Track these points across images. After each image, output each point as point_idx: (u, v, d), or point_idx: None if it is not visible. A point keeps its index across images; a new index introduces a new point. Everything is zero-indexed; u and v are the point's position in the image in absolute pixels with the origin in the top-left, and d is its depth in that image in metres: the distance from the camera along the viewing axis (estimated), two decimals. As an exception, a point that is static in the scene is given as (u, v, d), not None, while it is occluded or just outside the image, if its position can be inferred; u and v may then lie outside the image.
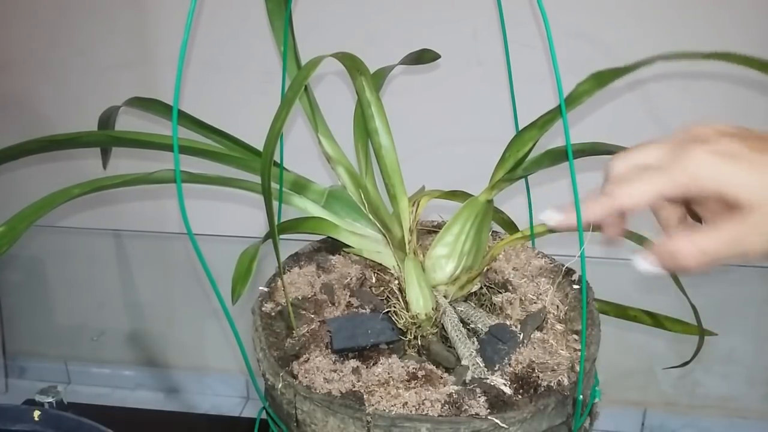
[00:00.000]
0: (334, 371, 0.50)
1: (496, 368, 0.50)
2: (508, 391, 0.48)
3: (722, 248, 0.40)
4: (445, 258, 0.56)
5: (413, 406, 0.46)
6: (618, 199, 0.42)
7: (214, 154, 0.59)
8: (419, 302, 0.54)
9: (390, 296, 0.56)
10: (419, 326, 0.54)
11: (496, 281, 0.60)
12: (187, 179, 0.56)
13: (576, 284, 0.59)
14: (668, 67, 0.70)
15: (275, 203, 0.61)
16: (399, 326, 0.54)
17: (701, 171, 0.40)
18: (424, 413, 0.46)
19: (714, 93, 0.95)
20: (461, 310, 0.56)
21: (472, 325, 0.55)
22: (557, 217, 0.45)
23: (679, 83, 0.95)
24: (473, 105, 1.00)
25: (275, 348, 0.53)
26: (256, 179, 0.58)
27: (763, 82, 0.61)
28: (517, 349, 0.52)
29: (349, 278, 0.60)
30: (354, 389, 0.48)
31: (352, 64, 0.54)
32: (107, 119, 0.66)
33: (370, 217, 0.59)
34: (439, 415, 0.46)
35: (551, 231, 0.52)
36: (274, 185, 0.61)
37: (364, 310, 0.57)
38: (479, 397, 0.47)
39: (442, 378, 0.50)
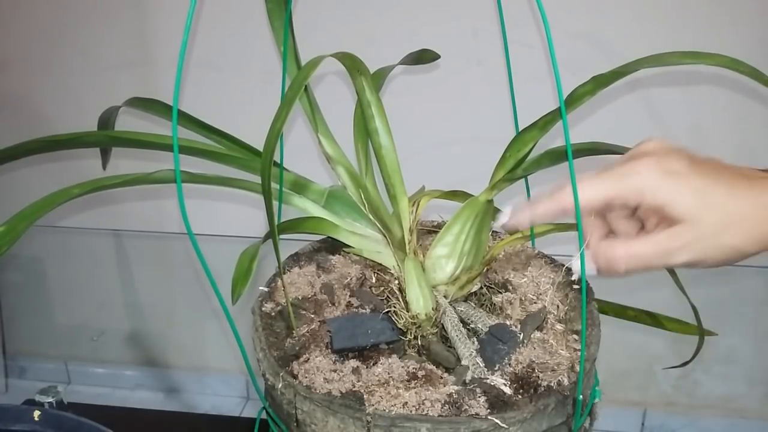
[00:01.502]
0: (334, 371, 0.50)
1: (496, 368, 0.50)
2: (508, 391, 0.48)
3: (652, 256, 0.45)
4: (445, 258, 0.56)
5: (413, 406, 0.46)
6: (562, 200, 0.46)
7: (214, 154, 0.59)
8: (419, 302, 0.54)
9: (390, 296, 0.56)
10: (419, 326, 0.54)
11: (496, 281, 0.60)
12: (187, 179, 0.56)
13: (576, 284, 0.59)
14: (668, 68, 0.70)
15: (275, 203, 0.61)
16: (399, 326, 0.54)
17: (644, 183, 0.44)
18: (424, 413, 0.46)
19: (713, 93, 0.95)
20: (461, 310, 0.56)
21: (472, 325, 0.55)
22: (503, 220, 0.50)
23: (678, 83, 0.95)
24: (473, 105, 1.00)
25: (275, 348, 0.53)
26: (256, 179, 0.58)
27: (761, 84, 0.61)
28: (517, 349, 0.52)
29: (349, 278, 0.60)
30: (354, 389, 0.48)
31: (352, 64, 0.54)
32: (107, 119, 0.66)
33: (370, 217, 0.59)
34: (439, 415, 0.46)
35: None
36: (274, 185, 0.61)
37: (364, 310, 0.57)
38: (479, 397, 0.47)
39: (442, 378, 0.50)
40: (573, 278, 0.48)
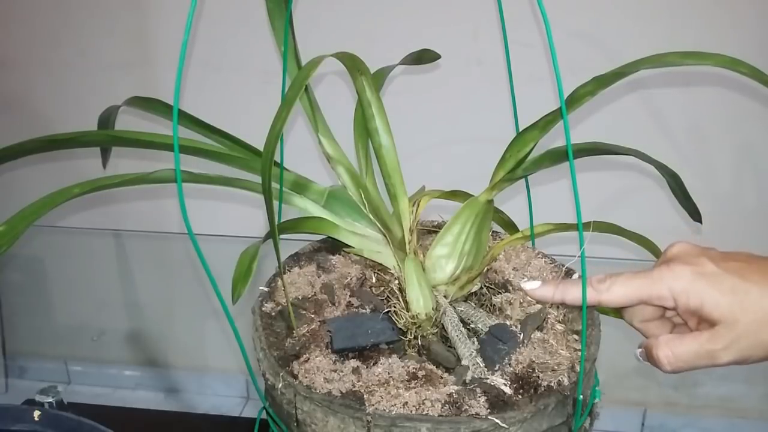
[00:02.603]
0: (334, 371, 0.50)
1: (496, 368, 0.50)
2: (508, 391, 0.48)
3: (695, 358, 0.47)
4: (445, 258, 0.56)
5: (413, 406, 0.46)
6: (601, 295, 0.50)
7: (214, 154, 0.59)
8: (419, 302, 0.54)
9: (390, 296, 0.56)
10: (419, 326, 0.54)
11: (496, 281, 0.60)
12: (187, 179, 0.56)
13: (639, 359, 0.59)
14: (668, 68, 0.70)
15: (275, 203, 0.61)
16: (399, 326, 0.54)
17: (679, 286, 0.47)
18: (424, 413, 0.46)
19: (713, 93, 0.95)
20: (461, 310, 0.56)
21: (472, 325, 0.55)
22: (532, 286, 0.55)
23: (678, 84, 0.96)
24: (473, 105, 1.00)
25: (275, 348, 0.53)
26: (257, 179, 0.58)
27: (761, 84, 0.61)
28: (517, 349, 0.52)
29: (349, 278, 0.60)
30: (354, 389, 0.48)
31: (352, 63, 0.54)
32: (107, 119, 0.66)
33: (370, 217, 0.59)
34: (439, 415, 0.46)
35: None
36: (275, 185, 0.61)
37: (364, 310, 0.57)
38: (479, 397, 0.47)
39: (442, 378, 0.50)
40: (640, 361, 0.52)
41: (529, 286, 0.55)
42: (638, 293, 0.49)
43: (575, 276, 0.60)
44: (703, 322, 0.47)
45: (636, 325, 0.53)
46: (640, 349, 0.52)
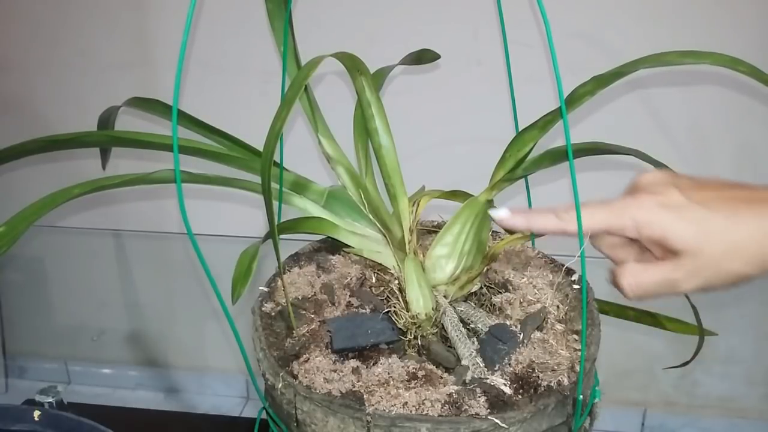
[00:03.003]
0: (334, 371, 0.50)
1: (496, 368, 0.50)
2: (508, 391, 0.48)
3: (656, 287, 0.47)
4: (445, 258, 0.56)
5: (413, 406, 0.46)
6: (566, 224, 0.48)
7: (214, 154, 0.59)
8: (419, 302, 0.54)
9: (390, 296, 0.56)
10: (419, 326, 0.54)
11: (496, 281, 0.60)
12: (187, 179, 0.56)
13: (576, 284, 0.59)
14: (668, 68, 0.70)
15: (275, 203, 0.61)
16: (399, 326, 0.54)
17: (646, 218, 0.46)
18: (424, 413, 0.46)
19: (713, 93, 0.95)
20: (461, 310, 0.56)
21: (472, 325, 0.55)
22: (502, 214, 0.51)
23: (678, 83, 0.95)
24: (473, 105, 1.00)
25: (275, 348, 0.53)
26: (256, 179, 0.58)
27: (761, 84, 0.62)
28: (517, 349, 0.52)
29: (349, 278, 0.60)
30: (354, 389, 0.48)
31: (352, 64, 0.54)
32: (107, 119, 0.66)
33: (370, 217, 0.59)
34: (439, 415, 0.46)
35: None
36: (274, 185, 0.61)
37: (364, 310, 0.57)
38: (479, 397, 0.47)
39: (442, 378, 0.50)
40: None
41: (498, 213, 0.52)
42: (602, 224, 0.48)
43: (575, 277, 0.60)
44: (668, 252, 0.47)
45: (604, 251, 0.52)
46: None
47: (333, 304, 0.58)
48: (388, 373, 0.50)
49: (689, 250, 0.45)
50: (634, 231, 0.47)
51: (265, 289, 0.60)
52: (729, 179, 0.48)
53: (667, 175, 0.48)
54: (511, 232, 0.65)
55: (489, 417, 0.46)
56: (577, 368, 0.50)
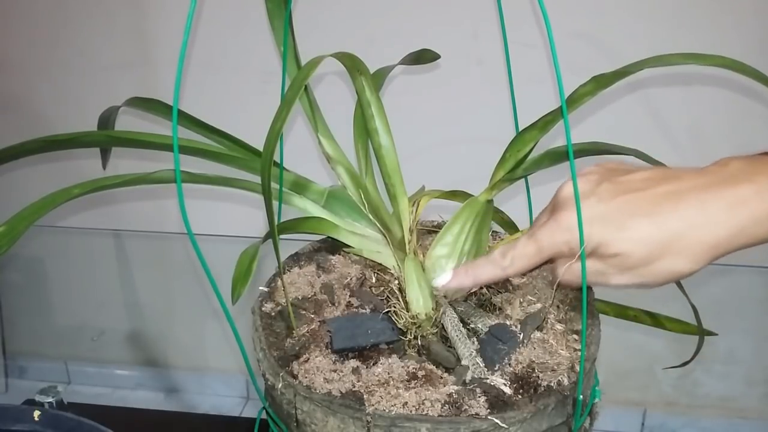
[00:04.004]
0: (334, 371, 0.50)
1: (496, 368, 0.50)
2: (508, 391, 0.48)
3: (588, 274, 0.47)
4: (445, 258, 0.56)
5: (413, 406, 0.46)
6: (506, 270, 0.50)
7: (214, 154, 0.59)
8: (419, 302, 0.54)
9: (390, 296, 0.56)
10: (419, 326, 0.54)
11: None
12: (187, 179, 0.56)
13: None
14: (668, 68, 0.70)
15: (275, 203, 0.61)
16: (399, 326, 0.54)
17: (570, 237, 0.46)
18: (424, 413, 0.46)
19: (713, 93, 0.95)
20: (461, 310, 0.56)
21: (472, 325, 0.55)
22: (443, 280, 0.53)
23: (678, 84, 0.95)
24: (473, 105, 1.00)
25: (275, 348, 0.53)
26: (256, 179, 0.58)
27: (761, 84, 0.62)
28: (517, 349, 0.52)
29: (349, 278, 0.60)
30: (354, 389, 0.48)
31: (352, 64, 0.54)
32: (107, 119, 0.66)
33: (370, 217, 0.59)
34: (439, 415, 0.46)
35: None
36: (274, 185, 0.61)
37: (364, 310, 0.57)
38: (479, 397, 0.47)
39: (442, 378, 0.50)
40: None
41: (441, 281, 0.53)
42: (538, 258, 0.49)
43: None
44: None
45: None
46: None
47: (333, 304, 0.58)
48: (388, 373, 0.50)
49: (620, 254, 0.45)
50: (569, 252, 0.47)
51: (265, 289, 0.60)
52: (656, 167, 0.48)
53: (587, 179, 0.48)
54: (511, 232, 0.66)
55: (489, 417, 0.46)
56: (577, 368, 0.50)
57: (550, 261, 0.51)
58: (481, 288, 0.59)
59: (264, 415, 0.56)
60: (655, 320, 0.64)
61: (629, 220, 0.45)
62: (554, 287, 0.55)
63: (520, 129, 0.58)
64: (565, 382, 0.49)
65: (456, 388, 0.48)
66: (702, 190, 0.44)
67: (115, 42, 1.05)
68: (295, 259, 0.64)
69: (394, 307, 0.54)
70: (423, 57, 0.71)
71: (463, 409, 0.46)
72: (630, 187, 0.46)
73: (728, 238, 0.44)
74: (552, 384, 0.49)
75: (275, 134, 0.44)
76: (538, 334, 0.54)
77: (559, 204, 0.48)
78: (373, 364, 0.51)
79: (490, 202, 0.59)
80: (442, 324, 0.54)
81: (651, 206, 0.45)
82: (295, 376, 0.50)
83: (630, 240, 0.45)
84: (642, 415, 1.15)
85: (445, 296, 0.56)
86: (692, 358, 0.63)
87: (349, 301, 0.58)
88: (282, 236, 0.50)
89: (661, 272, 0.45)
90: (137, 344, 1.29)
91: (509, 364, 0.51)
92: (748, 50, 0.89)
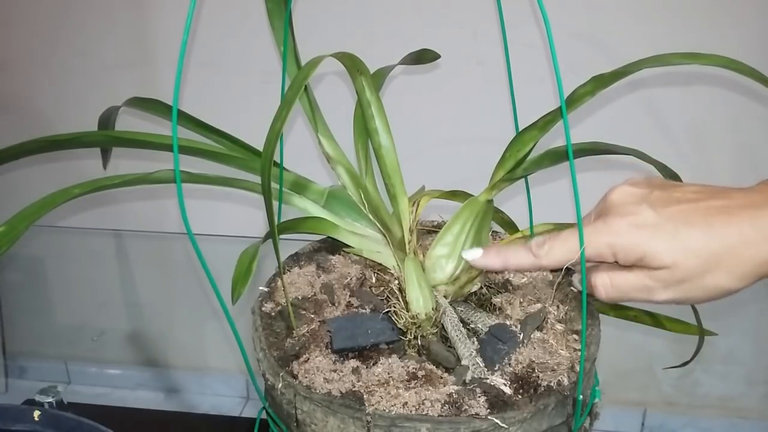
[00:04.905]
0: (334, 371, 0.50)
1: (496, 368, 0.50)
2: (508, 391, 0.48)
3: (631, 289, 0.47)
4: (445, 258, 0.56)
5: (413, 406, 0.46)
6: (541, 260, 0.49)
7: (214, 154, 0.59)
8: (419, 302, 0.54)
9: (390, 296, 0.56)
10: (419, 326, 0.54)
11: (496, 281, 0.60)
12: (187, 179, 0.56)
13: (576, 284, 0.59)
14: (668, 68, 0.70)
15: (275, 203, 0.61)
16: (399, 326, 0.54)
17: (620, 243, 0.45)
18: (424, 413, 0.46)
19: (713, 93, 0.95)
20: (461, 310, 0.56)
21: (472, 325, 0.55)
22: (475, 255, 0.53)
23: (678, 83, 0.95)
24: (473, 105, 1.00)
25: (275, 348, 0.53)
26: (256, 179, 0.58)
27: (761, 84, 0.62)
28: (517, 349, 0.52)
29: (349, 278, 0.60)
30: (354, 389, 0.48)
31: (352, 63, 0.54)
32: (107, 119, 0.66)
33: (370, 217, 0.59)
34: (439, 415, 0.46)
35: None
36: (274, 185, 0.61)
37: (364, 310, 0.57)
38: (479, 397, 0.47)
39: (442, 378, 0.50)
40: (575, 287, 0.52)
41: (471, 255, 0.53)
42: (576, 254, 0.47)
43: (575, 280, 0.60)
44: (647, 268, 0.46)
45: None
46: (577, 275, 0.51)
47: (333, 304, 0.58)
48: (388, 373, 0.50)
49: (667, 265, 0.44)
50: (611, 257, 0.46)
51: (265, 289, 0.60)
52: (705, 184, 0.47)
53: (637, 189, 0.47)
54: (511, 232, 0.66)
55: (489, 417, 0.46)
56: (577, 368, 0.50)
57: (568, 271, 0.50)
58: (482, 288, 0.59)
59: (264, 415, 0.56)
60: (655, 320, 0.64)
61: (682, 229, 0.44)
62: (546, 309, 0.55)
63: (520, 129, 0.58)
64: (565, 382, 0.49)
65: (456, 388, 0.48)
66: (754, 208, 0.44)
67: (115, 42, 1.05)
68: (295, 259, 0.64)
69: (394, 307, 0.54)
70: (423, 57, 0.71)
71: (463, 409, 0.46)
72: (681, 198, 0.46)
73: None
74: (552, 384, 0.49)
75: (275, 134, 0.44)
76: (538, 334, 0.54)
77: (610, 207, 0.47)
78: (373, 364, 0.51)
79: (490, 202, 0.59)
80: (442, 324, 0.54)
81: (704, 218, 0.44)
82: (295, 376, 0.50)
83: (681, 250, 0.44)
84: (642, 415, 1.15)
85: (445, 296, 0.56)
86: (692, 358, 0.63)
87: (349, 301, 0.58)
88: (282, 236, 0.50)
89: (708, 287, 0.45)
90: (137, 344, 1.29)
91: (509, 364, 0.51)
92: (748, 50, 0.89)
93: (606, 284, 0.48)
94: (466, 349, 0.52)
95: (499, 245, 0.53)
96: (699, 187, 0.47)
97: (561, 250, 0.48)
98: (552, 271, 0.61)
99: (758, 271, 0.44)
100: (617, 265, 0.47)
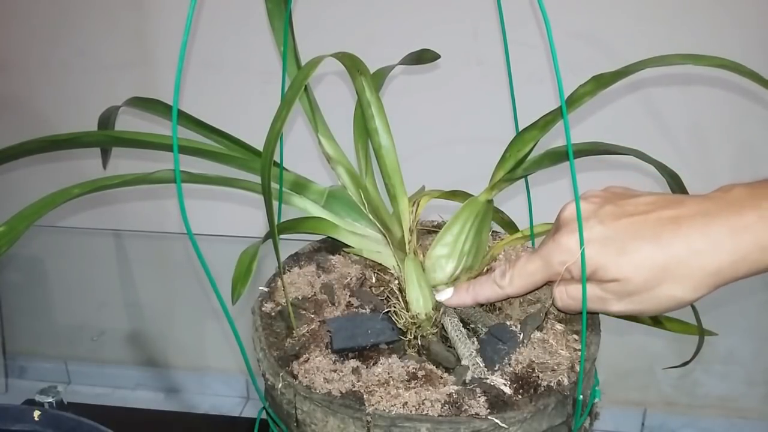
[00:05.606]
0: (334, 371, 0.50)
1: (496, 368, 0.50)
2: (508, 391, 0.48)
3: (587, 301, 0.47)
4: (445, 258, 0.56)
5: (413, 406, 0.46)
6: (506, 289, 0.51)
7: (214, 154, 0.59)
8: (419, 302, 0.54)
9: (390, 296, 0.56)
10: (419, 326, 0.54)
11: (496, 281, 0.60)
12: (187, 179, 0.56)
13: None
14: (668, 69, 0.70)
15: (275, 203, 0.61)
16: (399, 326, 0.54)
17: (572, 260, 0.46)
18: (424, 413, 0.46)
19: (713, 94, 0.95)
20: (461, 310, 0.56)
21: (472, 325, 0.55)
22: (445, 296, 0.54)
23: (678, 84, 0.96)
24: (473, 105, 1.00)
25: (275, 348, 0.53)
26: (256, 179, 0.58)
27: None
28: (517, 349, 0.52)
29: (349, 278, 0.60)
30: (354, 389, 0.48)
31: (352, 63, 0.54)
32: (107, 119, 0.66)
33: (370, 217, 0.59)
34: (439, 415, 0.46)
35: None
36: (274, 185, 0.61)
37: (364, 310, 0.57)
38: (479, 397, 0.47)
39: (442, 378, 0.50)
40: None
41: (443, 296, 0.54)
42: (537, 279, 0.49)
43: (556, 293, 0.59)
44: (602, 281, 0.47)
45: None
46: (556, 287, 0.51)
47: (333, 304, 0.58)
48: (388, 373, 0.50)
49: (618, 279, 0.45)
50: (567, 273, 0.47)
51: (265, 289, 0.60)
52: (661, 193, 0.48)
53: (587, 205, 0.47)
54: (510, 232, 0.66)
55: (489, 417, 0.46)
56: (577, 368, 0.50)
57: (549, 283, 0.51)
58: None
59: (264, 415, 0.56)
60: (655, 320, 0.64)
61: (630, 243, 0.44)
62: (546, 309, 0.55)
63: (520, 129, 0.58)
64: (565, 382, 0.49)
65: (456, 388, 0.48)
66: (705, 216, 0.44)
67: (115, 42, 1.05)
68: (295, 259, 0.64)
69: (394, 307, 0.54)
70: (423, 57, 0.71)
71: (463, 409, 0.46)
72: (632, 211, 0.46)
73: (731, 265, 0.43)
74: (552, 384, 0.49)
75: (275, 134, 0.44)
76: (538, 334, 0.54)
77: (560, 225, 0.48)
78: (373, 364, 0.51)
79: (490, 202, 0.59)
80: (442, 324, 0.54)
81: (652, 230, 0.44)
82: (295, 376, 0.50)
83: (630, 264, 0.44)
84: (642, 415, 1.15)
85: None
86: (692, 358, 0.63)
87: (349, 301, 0.58)
88: (282, 236, 0.50)
89: (661, 299, 0.45)
90: (137, 344, 1.29)
91: (509, 364, 0.51)
92: (748, 51, 0.89)
93: (562, 293, 0.49)
94: (466, 349, 0.52)
95: (469, 282, 0.55)
96: (653, 198, 0.47)
97: (520, 280, 0.50)
98: None
99: (712, 281, 0.44)
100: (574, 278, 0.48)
